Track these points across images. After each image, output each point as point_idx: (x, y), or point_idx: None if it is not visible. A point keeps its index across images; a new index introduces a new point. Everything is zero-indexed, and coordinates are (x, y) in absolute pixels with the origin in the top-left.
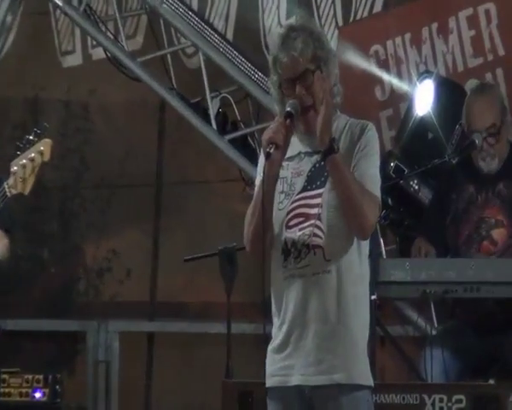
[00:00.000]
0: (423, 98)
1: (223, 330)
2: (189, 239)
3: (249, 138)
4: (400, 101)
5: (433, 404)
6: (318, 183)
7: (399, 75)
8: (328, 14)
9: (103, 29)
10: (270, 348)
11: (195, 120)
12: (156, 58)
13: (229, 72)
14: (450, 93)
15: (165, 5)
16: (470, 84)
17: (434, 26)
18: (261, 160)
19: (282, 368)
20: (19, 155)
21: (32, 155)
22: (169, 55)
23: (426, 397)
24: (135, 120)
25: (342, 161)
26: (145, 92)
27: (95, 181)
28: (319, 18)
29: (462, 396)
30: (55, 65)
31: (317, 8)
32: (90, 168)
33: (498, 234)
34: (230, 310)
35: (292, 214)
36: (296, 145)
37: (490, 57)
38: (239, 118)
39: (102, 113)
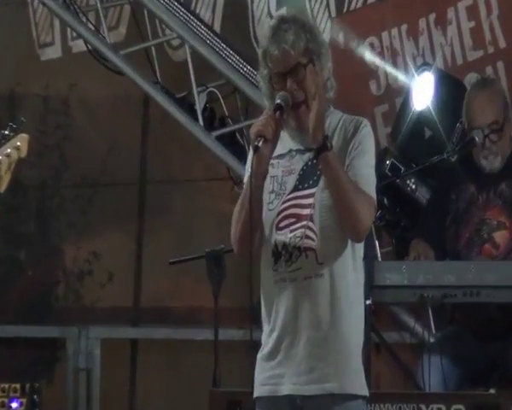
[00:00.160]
0: (422, 92)
1: (210, 336)
2: (175, 241)
3: (237, 135)
4: (396, 95)
5: None
6: (310, 182)
7: (395, 68)
8: (320, 4)
9: (84, 20)
10: (259, 355)
11: (181, 116)
12: (140, 51)
13: (216, 65)
14: (450, 88)
15: None
16: (470, 79)
17: (432, 16)
18: (250, 156)
19: (272, 377)
20: None
21: (8, 150)
22: (153, 48)
23: (423, 407)
24: (117, 116)
25: (336, 159)
26: (128, 86)
27: (75, 179)
28: (311, 8)
29: (461, 406)
30: (32, 58)
31: None
32: (70, 166)
33: (500, 237)
34: (218, 315)
35: (282, 215)
36: (287, 142)
37: (490, 50)
38: (227, 113)
39: (83, 108)
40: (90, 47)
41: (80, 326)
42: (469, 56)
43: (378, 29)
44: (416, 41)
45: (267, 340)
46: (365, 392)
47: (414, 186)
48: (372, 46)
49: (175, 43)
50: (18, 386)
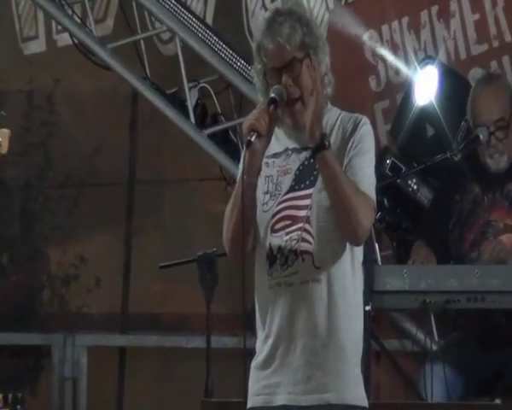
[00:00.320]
0: (425, 86)
1: (202, 344)
2: (165, 244)
3: (230, 133)
4: (397, 91)
5: None
6: (307, 182)
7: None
8: None
9: (69, 12)
10: (253, 363)
11: (171, 113)
12: (128, 44)
13: (208, 59)
14: (455, 84)
15: None
16: (474, 74)
17: (434, 9)
18: (243, 154)
19: (266, 386)
20: None
21: None
22: (142, 41)
23: None
24: (104, 113)
25: (334, 159)
26: (116, 82)
27: (60, 179)
28: (307, 0)
29: None
30: (15, 52)
31: None
32: (55, 165)
33: (507, 240)
34: (210, 322)
35: (278, 217)
36: (283, 141)
37: (495, 44)
38: (219, 110)
39: (69, 104)
40: (75, 41)
41: (66, 333)
42: (473, 50)
43: (378, 22)
44: (417, 34)
45: (262, 347)
46: (364, 402)
47: (415, 187)
48: (372, 40)
49: (165, 36)
50: (0, 396)
